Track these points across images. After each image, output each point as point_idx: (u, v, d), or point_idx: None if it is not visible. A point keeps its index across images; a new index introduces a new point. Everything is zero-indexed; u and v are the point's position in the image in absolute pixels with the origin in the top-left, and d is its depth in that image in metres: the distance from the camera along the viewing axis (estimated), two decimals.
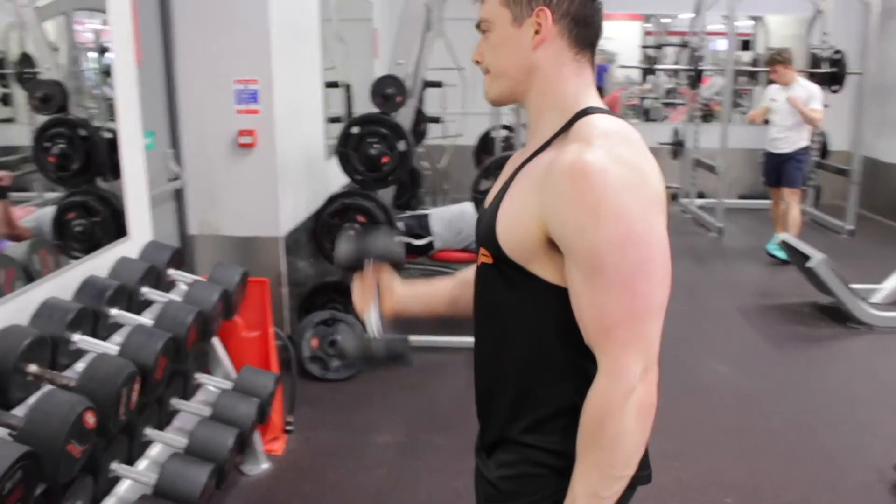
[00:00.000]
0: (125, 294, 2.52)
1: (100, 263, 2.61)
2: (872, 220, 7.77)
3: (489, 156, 6.01)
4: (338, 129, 4.12)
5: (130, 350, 2.17)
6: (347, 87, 5.51)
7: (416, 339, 4.31)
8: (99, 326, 2.37)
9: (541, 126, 1.23)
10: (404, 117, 4.24)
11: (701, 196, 8.28)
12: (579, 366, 1.17)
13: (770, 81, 6.30)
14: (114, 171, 2.84)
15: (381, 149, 4.02)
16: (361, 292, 1.50)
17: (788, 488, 3.07)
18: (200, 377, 2.86)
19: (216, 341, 3.00)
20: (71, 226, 2.73)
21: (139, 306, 2.63)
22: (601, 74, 10.10)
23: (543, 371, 1.21)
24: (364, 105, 4.11)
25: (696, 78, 7.81)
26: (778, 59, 6.05)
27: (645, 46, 10.25)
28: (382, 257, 1.51)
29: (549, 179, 1.11)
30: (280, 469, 3.15)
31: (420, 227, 4.61)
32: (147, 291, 2.64)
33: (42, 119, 2.72)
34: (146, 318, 2.51)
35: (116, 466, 2.25)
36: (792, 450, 3.36)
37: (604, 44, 9.58)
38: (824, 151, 7.87)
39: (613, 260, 1.08)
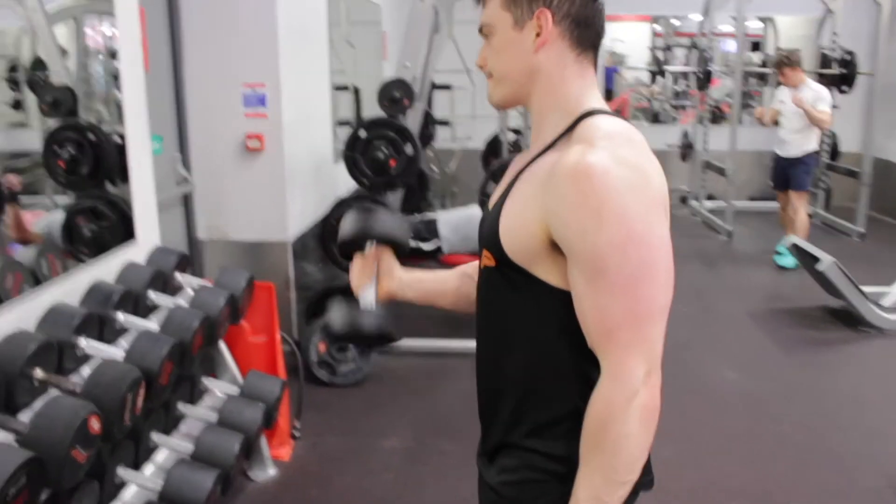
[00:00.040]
0: (132, 299, 2.53)
1: (107, 268, 2.62)
2: (883, 223, 7.71)
3: (497, 159, 6.00)
4: (347, 132, 4.12)
5: (136, 355, 2.17)
6: (356, 91, 5.52)
7: (423, 343, 4.33)
8: (105, 331, 2.37)
9: (544, 128, 1.23)
10: (412, 121, 4.24)
11: (710, 198, 8.24)
12: (582, 370, 1.16)
13: (780, 83, 6.26)
14: (123, 175, 2.85)
15: (389, 152, 4.01)
16: (360, 271, 1.50)
17: (797, 494, 3.05)
18: (207, 382, 2.86)
19: (223, 346, 3.01)
20: (80, 230, 2.73)
21: (146, 311, 2.63)
22: (610, 76, 10.09)
23: (546, 374, 1.20)
24: (373, 108, 4.11)
25: (704, 79, 7.78)
26: (785, 62, 6.00)
27: (653, 48, 10.22)
28: (386, 239, 1.50)
29: (551, 181, 1.11)
30: (287, 475, 3.15)
31: (428, 231, 4.60)
32: (154, 296, 2.65)
33: (52, 123, 2.73)
34: (152, 323, 2.51)
35: (122, 472, 2.26)
36: (801, 455, 3.33)
37: (613, 46, 9.58)
38: (834, 153, 7.82)
39: (615, 262, 1.07)
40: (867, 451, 3.36)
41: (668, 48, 10.17)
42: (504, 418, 1.26)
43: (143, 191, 2.95)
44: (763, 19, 9.44)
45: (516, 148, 5.45)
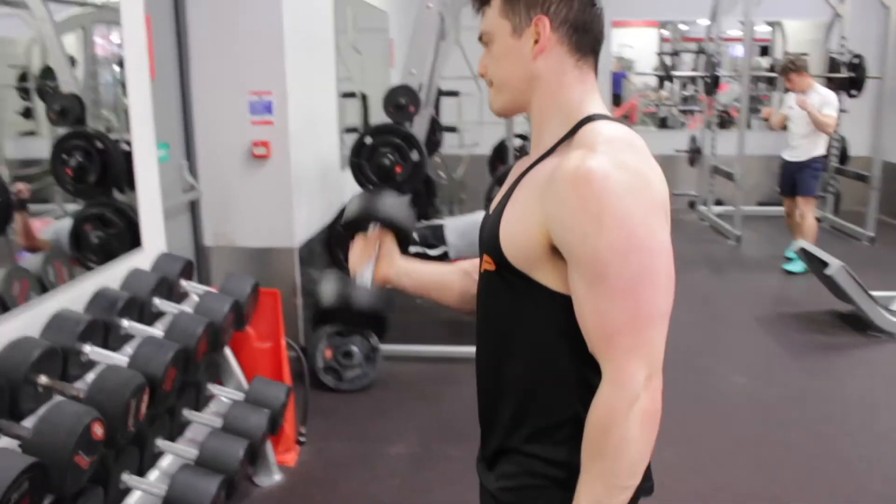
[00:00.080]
0: (137, 305, 2.54)
1: (112, 275, 2.63)
2: (893, 227, 7.66)
3: (503, 165, 6.01)
4: (354, 139, 4.13)
5: (140, 361, 2.18)
6: (364, 98, 5.54)
7: (429, 349, 4.33)
8: (110, 337, 2.39)
9: (545, 133, 1.23)
10: (418, 127, 4.25)
11: (719, 203, 8.22)
12: (582, 374, 1.16)
13: (788, 89, 6.24)
14: (130, 182, 2.87)
15: (395, 159, 4.02)
16: (360, 252, 1.52)
17: (806, 499, 3.03)
18: (212, 388, 2.87)
19: (228, 352, 3.01)
20: (88, 237, 2.75)
21: (151, 317, 2.64)
22: (619, 82, 10.09)
23: (546, 379, 1.20)
24: (381, 115, 4.13)
25: (712, 84, 7.77)
26: (791, 68, 5.97)
27: (661, 53, 10.22)
28: (389, 223, 1.50)
29: (552, 186, 1.11)
30: (292, 480, 3.15)
31: (434, 237, 4.60)
32: (159, 303, 2.66)
33: (61, 131, 2.75)
34: (157, 330, 2.52)
35: (127, 478, 2.26)
36: (809, 460, 3.31)
37: (621, 51, 9.58)
38: (844, 157, 7.79)
39: (616, 266, 1.07)
40: (876, 456, 3.33)
41: (675, 53, 10.15)
42: (504, 423, 1.25)
43: (149, 198, 2.97)
44: (771, 23, 9.42)
45: (522, 153, 5.45)
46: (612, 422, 1.08)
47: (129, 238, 2.83)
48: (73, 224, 2.74)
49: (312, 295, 4.31)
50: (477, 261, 1.32)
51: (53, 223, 2.80)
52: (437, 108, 5.97)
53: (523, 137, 6.39)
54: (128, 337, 2.48)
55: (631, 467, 1.10)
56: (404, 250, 1.56)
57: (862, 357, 4.59)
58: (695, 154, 8.39)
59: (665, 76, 9.52)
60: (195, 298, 2.85)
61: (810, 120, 5.84)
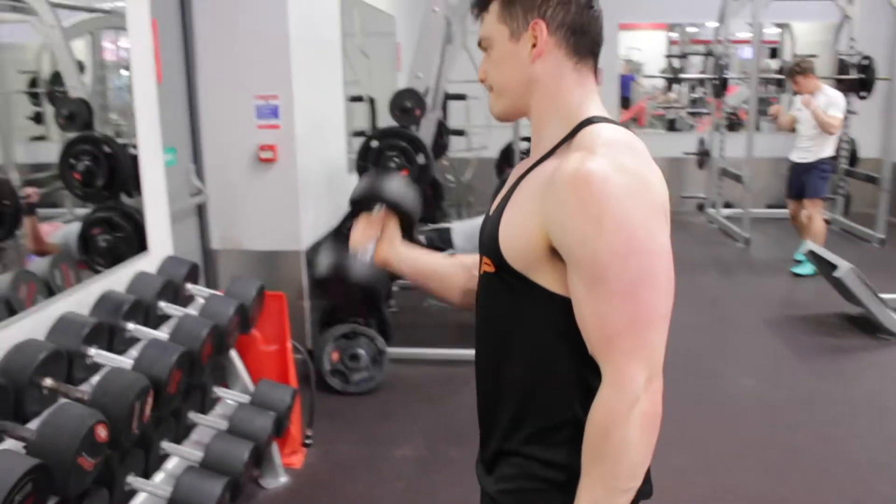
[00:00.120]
0: (142, 308, 2.55)
1: (118, 278, 2.65)
2: None
3: (511, 167, 6.00)
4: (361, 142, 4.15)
5: (144, 364, 2.19)
6: (372, 101, 5.55)
7: (436, 352, 4.33)
8: (116, 341, 2.40)
9: (544, 136, 1.23)
10: (425, 130, 4.25)
11: (728, 206, 8.20)
12: (582, 377, 1.16)
13: (796, 91, 6.22)
14: (138, 186, 2.88)
15: (401, 162, 4.03)
16: (363, 231, 1.52)
17: (814, 502, 3.01)
18: (218, 391, 2.88)
19: (234, 355, 3.02)
20: (96, 241, 2.76)
21: (156, 321, 2.65)
22: (627, 84, 10.06)
23: (545, 381, 1.20)
24: (389, 119, 4.14)
25: (720, 87, 7.74)
26: (796, 70, 5.95)
27: (669, 56, 10.20)
28: (394, 205, 1.50)
29: (551, 188, 1.11)
30: (298, 482, 3.15)
31: (441, 241, 4.61)
32: (164, 306, 2.67)
33: (69, 136, 2.77)
34: (162, 333, 2.53)
35: (132, 480, 2.27)
36: (818, 463, 3.29)
37: (629, 54, 9.55)
38: (853, 159, 7.74)
39: (615, 268, 1.07)
40: (885, 459, 3.31)
41: (684, 56, 10.12)
42: (503, 424, 1.25)
43: (155, 201, 2.98)
44: (780, 25, 9.39)
45: (528, 156, 5.44)
46: (612, 424, 1.08)
47: (137, 242, 2.84)
48: (82, 228, 2.76)
49: (319, 298, 4.33)
50: (478, 257, 1.31)
51: (62, 227, 2.82)
52: (444, 111, 5.97)
53: (530, 140, 6.38)
54: (133, 340, 2.50)
55: (631, 470, 1.10)
56: (407, 236, 1.56)
57: (871, 360, 4.56)
58: (703, 156, 8.36)
59: (673, 79, 9.50)
60: (200, 301, 2.86)
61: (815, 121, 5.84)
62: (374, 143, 4.06)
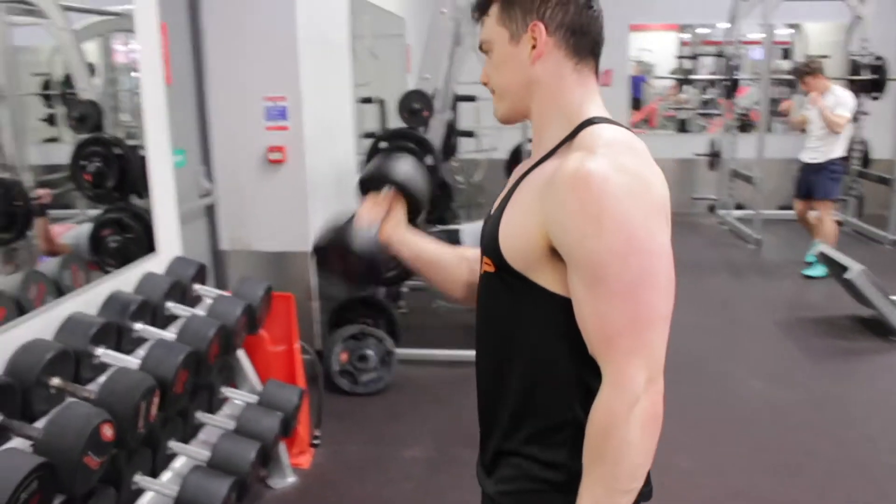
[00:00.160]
0: (149, 309, 2.56)
1: (126, 279, 2.66)
2: None
3: None
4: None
5: (151, 364, 2.20)
6: (381, 103, 5.55)
7: (444, 353, 4.33)
8: (123, 341, 2.41)
9: (545, 136, 1.23)
10: (433, 131, 4.25)
11: (739, 207, 8.15)
12: (582, 376, 1.16)
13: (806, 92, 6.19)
14: (147, 188, 2.90)
15: None
16: (369, 211, 1.51)
17: None
18: (226, 391, 2.89)
19: (242, 355, 3.03)
20: (106, 242, 2.78)
21: (164, 321, 2.66)
22: (638, 85, 10.04)
23: (545, 382, 1.20)
24: (399, 120, 4.15)
25: (731, 88, 7.71)
26: (805, 71, 5.92)
27: (680, 57, 10.17)
28: (402, 187, 1.49)
29: (551, 188, 1.11)
30: (306, 483, 3.16)
31: (451, 243, 4.60)
32: (172, 306, 2.68)
33: (80, 138, 2.79)
34: (170, 333, 2.54)
35: (139, 478, 2.28)
36: (829, 465, 3.27)
37: (640, 55, 9.52)
38: (866, 160, 7.69)
39: (615, 269, 1.07)
40: None
41: (695, 57, 10.10)
42: (503, 424, 1.25)
43: (164, 202, 2.99)
44: (792, 26, 9.34)
45: None
46: (613, 425, 1.08)
47: (147, 242, 2.86)
48: (93, 229, 2.78)
49: (328, 299, 4.33)
50: (479, 250, 1.31)
51: (73, 228, 2.84)
52: (454, 112, 5.97)
53: None
54: (140, 340, 2.51)
55: (631, 471, 1.10)
56: (413, 220, 1.55)
57: (883, 362, 4.52)
58: (714, 158, 8.33)
59: (684, 80, 9.47)
60: (208, 302, 2.87)
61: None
62: (383, 144, 4.06)
